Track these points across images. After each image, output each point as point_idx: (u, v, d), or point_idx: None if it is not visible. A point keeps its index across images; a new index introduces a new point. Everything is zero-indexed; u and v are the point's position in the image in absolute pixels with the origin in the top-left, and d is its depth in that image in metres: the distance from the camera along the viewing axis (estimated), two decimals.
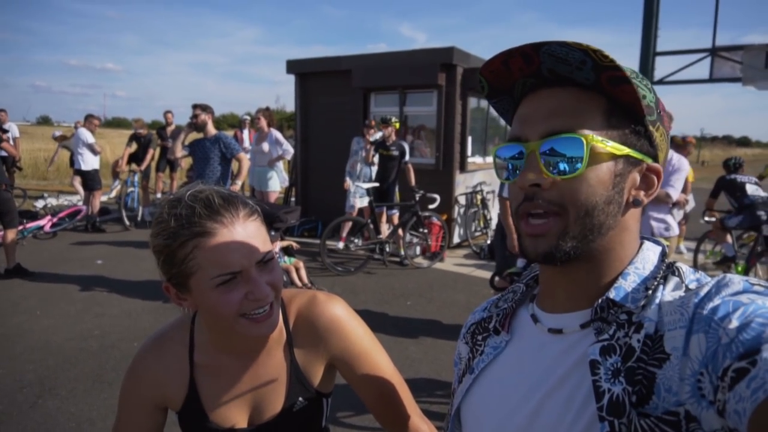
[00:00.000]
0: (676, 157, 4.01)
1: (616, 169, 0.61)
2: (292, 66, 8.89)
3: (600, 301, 0.61)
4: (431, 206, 6.63)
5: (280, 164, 7.25)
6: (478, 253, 7.42)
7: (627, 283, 0.61)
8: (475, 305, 5.59)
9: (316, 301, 1.01)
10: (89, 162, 8.33)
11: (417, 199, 6.52)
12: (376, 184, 6.76)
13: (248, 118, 10.03)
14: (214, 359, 0.97)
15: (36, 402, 3.21)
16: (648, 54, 7.33)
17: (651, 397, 0.53)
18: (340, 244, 6.82)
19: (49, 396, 3.28)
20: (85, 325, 4.42)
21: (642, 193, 0.63)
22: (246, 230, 0.83)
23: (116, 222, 8.73)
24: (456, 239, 7.95)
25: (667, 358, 0.53)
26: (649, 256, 0.65)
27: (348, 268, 6.39)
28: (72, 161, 9.34)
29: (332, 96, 8.56)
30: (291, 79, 8.95)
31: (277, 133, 6.84)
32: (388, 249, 6.65)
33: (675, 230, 4.14)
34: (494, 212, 8.44)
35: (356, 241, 6.70)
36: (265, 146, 6.70)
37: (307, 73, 8.82)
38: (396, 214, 6.93)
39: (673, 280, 0.61)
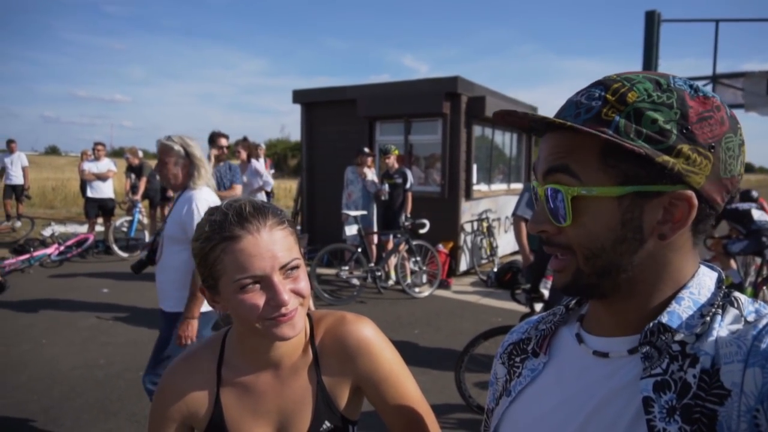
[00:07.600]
0: None
1: (621, 209, 0.58)
2: (298, 96, 9.03)
3: (651, 324, 0.58)
4: (421, 231, 6.59)
5: (262, 195, 7.24)
6: (484, 281, 7.38)
7: (681, 309, 0.59)
8: None
9: (344, 321, 1.01)
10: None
11: (403, 225, 6.52)
12: (364, 212, 6.78)
13: (263, 146, 10.13)
14: (241, 375, 0.97)
15: None
16: None
17: None
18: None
19: (53, 426, 3.23)
20: (90, 354, 4.40)
21: (666, 226, 0.58)
22: (271, 237, 0.87)
23: (124, 250, 8.74)
24: (463, 267, 7.92)
25: (728, 395, 0.51)
26: (705, 282, 0.62)
27: (340, 296, 6.36)
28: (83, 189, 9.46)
29: (338, 125, 8.66)
30: (296, 109, 9.08)
31: (256, 164, 6.86)
32: (380, 275, 6.62)
33: None
34: (500, 239, 8.41)
35: (345, 268, 6.66)
36: (245, 178, 6.73)
37: (312, 103, 8.95)
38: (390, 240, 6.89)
39: (732, 312, 0.58)
